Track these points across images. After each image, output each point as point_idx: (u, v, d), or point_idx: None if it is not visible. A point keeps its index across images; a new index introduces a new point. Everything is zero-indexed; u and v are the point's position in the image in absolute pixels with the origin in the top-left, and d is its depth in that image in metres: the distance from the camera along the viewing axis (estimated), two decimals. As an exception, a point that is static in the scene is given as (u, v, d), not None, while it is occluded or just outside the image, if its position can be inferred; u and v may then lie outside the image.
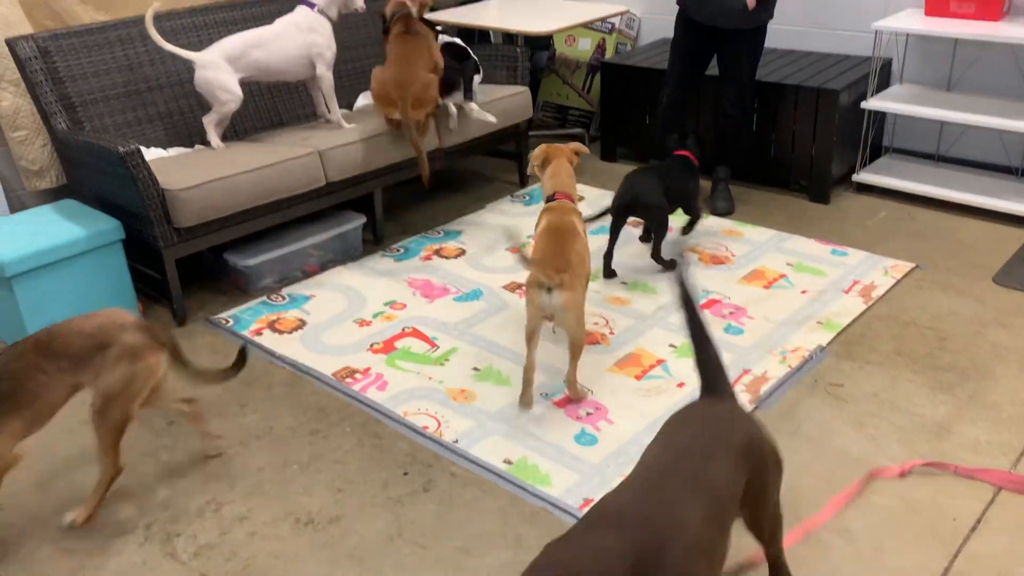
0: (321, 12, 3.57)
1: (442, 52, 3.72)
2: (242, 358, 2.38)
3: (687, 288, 1.78)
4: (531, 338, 2.59)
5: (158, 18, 3.54)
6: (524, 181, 4.40)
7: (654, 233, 3.42)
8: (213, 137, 3.50)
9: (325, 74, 3.60)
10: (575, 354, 2.60)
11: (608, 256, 3.41)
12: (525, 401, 2.64)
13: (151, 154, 3.46)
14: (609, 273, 3.42)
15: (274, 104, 3.96)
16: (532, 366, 2.61)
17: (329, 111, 3.70)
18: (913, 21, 3.76)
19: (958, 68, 3.99)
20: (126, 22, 3.55)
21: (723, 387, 1.79)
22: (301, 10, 3.57)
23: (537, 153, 2.99)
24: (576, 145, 3.04)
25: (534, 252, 2.66)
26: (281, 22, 3.56)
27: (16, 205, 3.65)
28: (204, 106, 3.63)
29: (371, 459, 2.45)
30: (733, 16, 3.62)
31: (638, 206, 3.39)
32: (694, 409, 1.74)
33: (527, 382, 2.63)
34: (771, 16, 3.72)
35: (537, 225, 2.79)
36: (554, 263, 2.53)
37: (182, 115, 3.68)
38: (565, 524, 2.15)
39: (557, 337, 2.91)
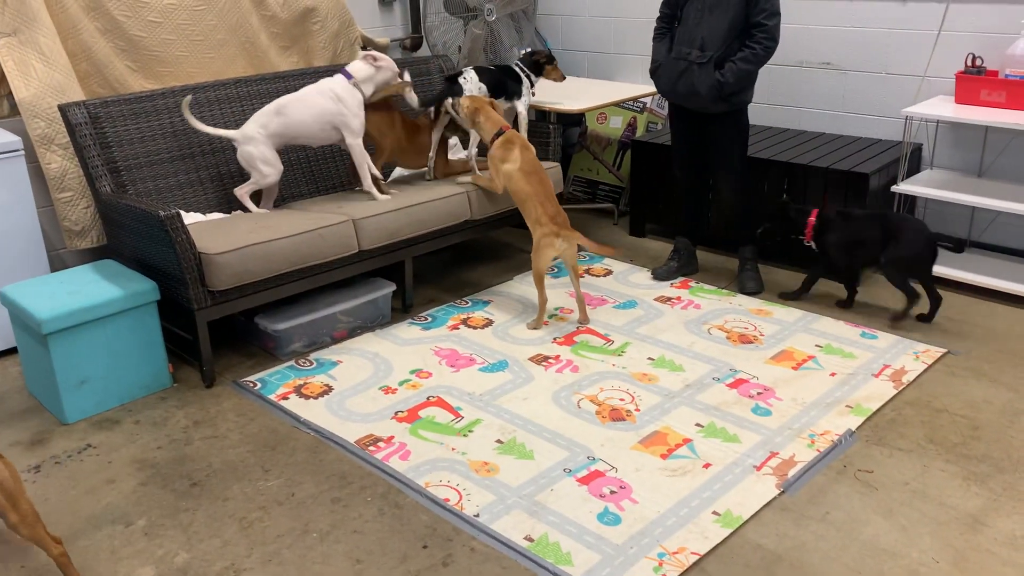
0: (356, 85, 3.67)
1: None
2: None
3: None
4: (544, 277, 3.58)
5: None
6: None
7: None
8: (249, 204, 3.61)
9: (353, 143, 3.66)
10: (578, 274, 3.66)
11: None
12: (538, 326, 3.60)
13: (190, 218, 3.55)
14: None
15: (311, 172, 4.06)
16: (546, 299, 3.61)
17: (362, 181, 3.75)
18: (943, 108, 3.80)
19: (989, 154, 4.01)
20: (173, 91, 3.69)
21: None
22: (337, 78, 3.67)
23: (469, 106, 3.73)
24: (493, 101, 3.85)
25: (535, 206, 3.54)
26: (306, 88, 3.66)
27: (56, 264, 3.75)
28: (244, 173, 3.73)
29: (391, 530, 2.43)
30: (703, 99, 3.67)
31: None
32: None
33: (544, 312, 3.60)
34: (749, 100, 3.77)
35: (508, 153, 3.61)
36: (559, 219, 3.53)
37: (222, 181, 3.79)
38: (586, 606, 2.11)
39: (580, 417, 2.91)
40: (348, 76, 3.67)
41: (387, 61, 3.72)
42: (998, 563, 2.24)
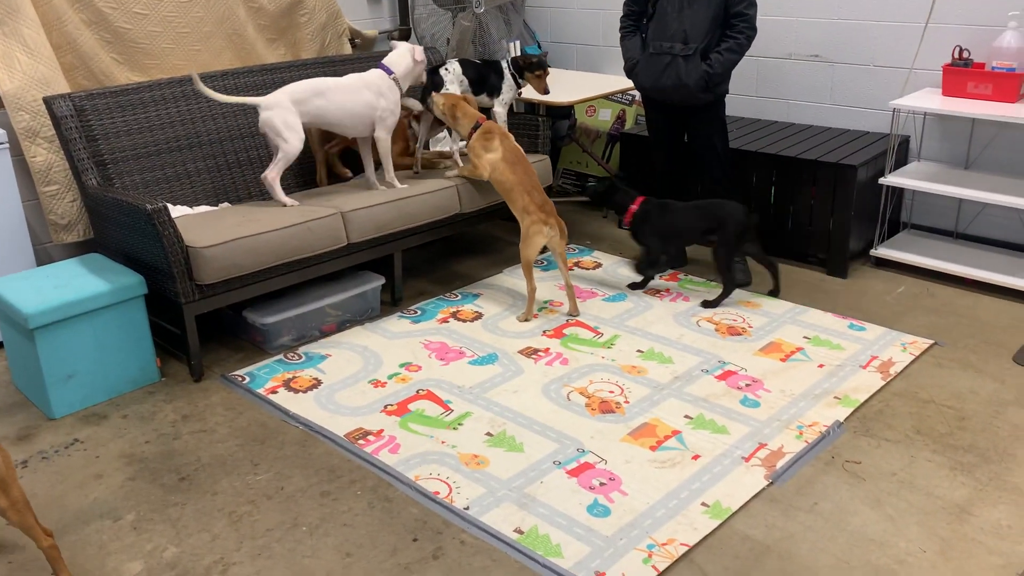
0: (396, 81, 3.69)
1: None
2: None
3: None
4: (532, 267, 3.59)
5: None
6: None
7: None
8: (279, 194, 3.52)
9: (383, 137, 3.68)
10: (566, 263, 3.64)
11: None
12: (528, 317, 3.61)
13: (177, 211, 3.53)
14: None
15: (300, 167, 4.04)
16: (535, 288, 3.62)
17: (385, 173, 3.76)
18: (931, 100, 3.81)
19: (976, 147, 4.03)
20: (160, 83, 3.66)
21: None
22: (377, 72, 3.68)
23: (444, 103, 3.70)
24: (467, 95, 3.86)
25: (521, 195, 3.56)
26: (352, 77, 3.65)
27: (43, 258, 3.72)
28: (232, 165, 3.70)
29: (381, 523, 2.43)
30: (688, 92, 3.68)
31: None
32: None
33: (533, 302, 3.62)
34: (727, 90, 3.81)
35: (490, 143, 3.64)
36: (547, 208, 3.56)
37: (209, 174, 3.77)
38: (575, 598, 2.12)
39: (570, 410, 2.91)
40: (388, 71, 3.68)
41: (423, 59, 3.75)
42: (984, 552, 2.25)
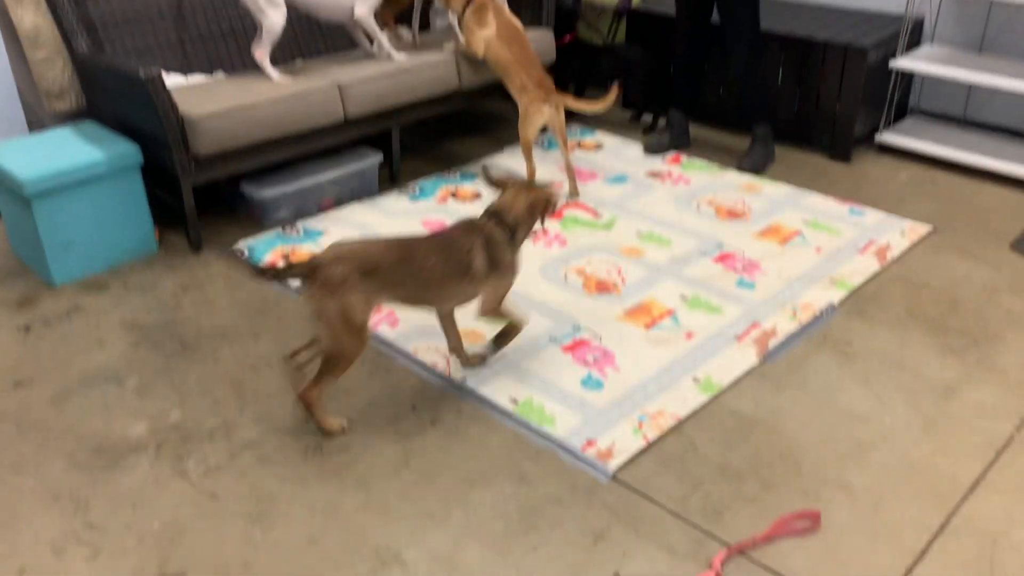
0: None
1: None
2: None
3: None
4: (532, 147, 3.53)
5: None
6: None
7: None
8: (268, 69, 3.43)
9: (364, 15, 3.55)
10: (567, 143, 3.58)
11: None
12: None
13: (171, 80, 3.44)
14: None
15: (295, 38, 3.92)
16: (535, 170, 3.56)
17: (378, 47, 3.67)
18: (949, -21, 3.67)
19: (992, 30, 3.91)
20: (149, -56, 3.51)
21: None
22: None
23: None
24: None
25: (518, 73, 3.46)
26: None
27: (35, 125, 3.66)
28: (227, 34, 3.58)
29: (381, 393, 2.48)
30: None
31: None
32: None
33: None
34: None
35: (483, 18, 3.54)
36: (546, 85, 3.45)
37: (203, 42, 3.66)
38: (567, 463, 2.19)
39: (567, 289, 2.93)
40: None
41: None
42: (967, 430, 2.32)
